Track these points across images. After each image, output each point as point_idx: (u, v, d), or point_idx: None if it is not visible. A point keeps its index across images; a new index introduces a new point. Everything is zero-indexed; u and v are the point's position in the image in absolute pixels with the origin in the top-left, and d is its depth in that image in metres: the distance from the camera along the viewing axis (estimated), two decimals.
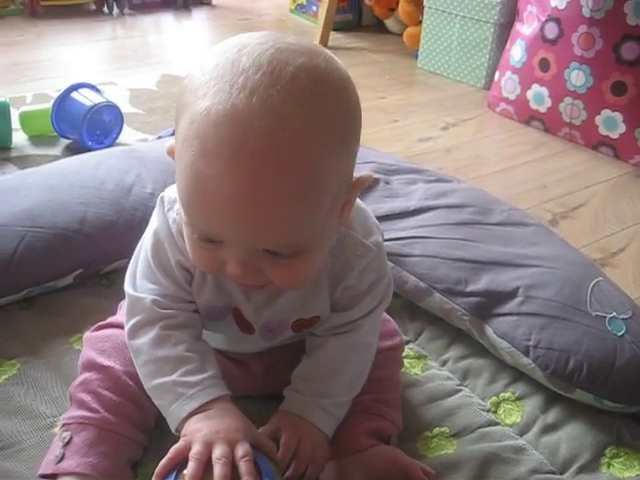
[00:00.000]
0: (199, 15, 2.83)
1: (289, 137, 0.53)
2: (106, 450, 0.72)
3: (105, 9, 2.71)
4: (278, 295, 0.72)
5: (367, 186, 0.66)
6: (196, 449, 0.62)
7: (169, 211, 0.70)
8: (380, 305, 0.78)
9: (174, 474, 0.61)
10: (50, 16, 2.58)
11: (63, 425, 0.76)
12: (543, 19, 1.74)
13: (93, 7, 2.73)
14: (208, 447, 0.62)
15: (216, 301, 0.74)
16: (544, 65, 1.76)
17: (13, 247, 0.98)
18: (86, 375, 0.78)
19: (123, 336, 0.79)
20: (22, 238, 0.99)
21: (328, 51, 0.61)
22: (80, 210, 1.04)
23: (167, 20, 2.75)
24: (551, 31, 1.72)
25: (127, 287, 0.75)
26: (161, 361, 0.70)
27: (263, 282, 0.63)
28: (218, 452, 0.61)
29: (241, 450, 0.62)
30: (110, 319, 0.84)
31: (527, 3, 1.81)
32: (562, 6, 1.68)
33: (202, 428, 0.64)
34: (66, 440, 0.73)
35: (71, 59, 2.22)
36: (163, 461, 0.63)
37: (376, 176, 1.16)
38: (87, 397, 0.75)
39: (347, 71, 0.61)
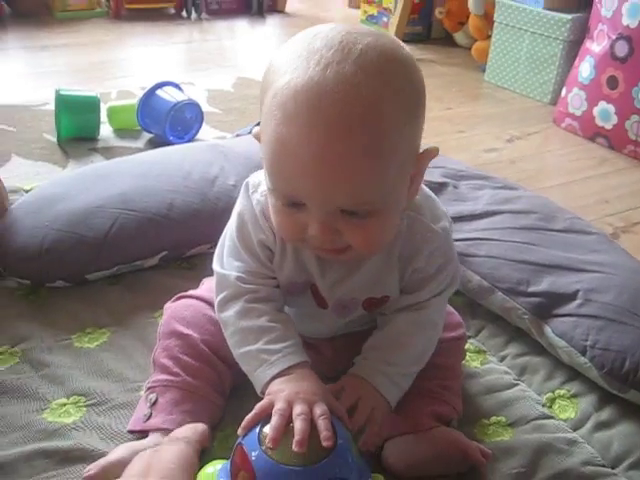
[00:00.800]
0: (272, 22, 2.93)
1: (359, 102, 0.61)
2: (188, 409, 0.80)
3: (184, 13, 2.83)
4: (351, 273, 0.78)
5: (433, 157, 0.72)
6: (279, 406, 0.68)
7: (253, 194, 0.78)
8: (448, 288, 0.84)
9: (258, 428, 0.68)
10: (133, 18, 2.71)
11: (148, 388, 0.84)
12: (614, 37, 1.76)
13: (173, 11, 2.86)
14: (289, 405, 0.68)
15: (295, 277, 0.80)
16: (612, 83, 1.79)
17: (107, 227, 1.08)
18: (167, 342, 0.86)
19: (201, 307, 0.88)
20: (115, 219, 1.09)
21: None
22: (168, 197, 1.13)
23: (242, 26, 2.85)
24: (621, 49, 1.75)
25: (215, 265, 0.83)
26: (246, 331, 0.77)
27: (341, 245, 0.69)
28: (298, 409, 0.67)
29: (319, 409, 0.68)
30: (190, 291, 0.92)
31: (598, 21, 1.84)
32: (634, 25, 1.71)
33: (284, 389, 0.71)
34: (152, 401, 0.82)
35: (152, 59, 2.34)
36: (249, 416, 0.69)
37: (445, 180, 1.22)
38: (169, 362, 0.84)
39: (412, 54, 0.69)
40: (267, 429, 0.67)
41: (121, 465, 0.74)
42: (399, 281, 0.81)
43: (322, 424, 0.66)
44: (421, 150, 0.71)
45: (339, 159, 0.62)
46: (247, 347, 0.77)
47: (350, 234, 0.68)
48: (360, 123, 0.61)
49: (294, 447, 0.63)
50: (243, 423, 0.69)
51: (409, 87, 0.66)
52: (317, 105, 0.61)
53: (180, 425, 0.79)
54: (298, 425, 0.65)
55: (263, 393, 0.74)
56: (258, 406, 0.70)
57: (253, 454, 0.66)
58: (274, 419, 0.67)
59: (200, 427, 0.79)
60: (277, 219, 0.71)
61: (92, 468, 0.75)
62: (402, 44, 0.68)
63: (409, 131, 0.67)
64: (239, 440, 0.69)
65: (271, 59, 0.68)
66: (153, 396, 0.82)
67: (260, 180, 0.78)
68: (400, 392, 0.80)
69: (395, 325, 0.82)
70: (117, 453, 0.76)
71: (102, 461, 0.76)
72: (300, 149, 0.62)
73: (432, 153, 0.72)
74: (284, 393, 0.70)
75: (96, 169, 1.23)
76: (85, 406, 0.87)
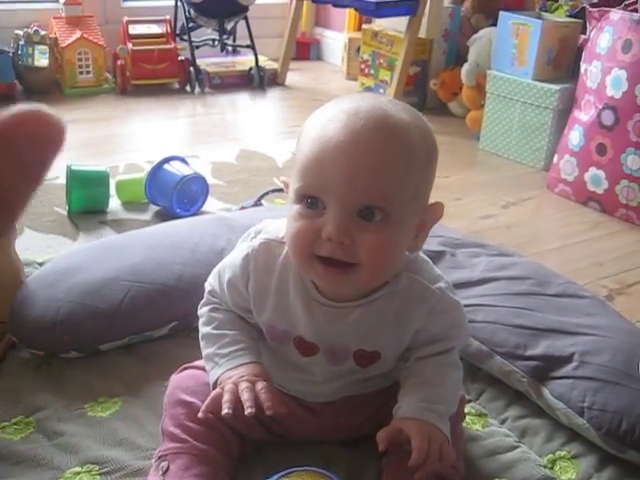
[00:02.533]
0: (273, 95, 3.03)
1: (394, 122, 0.75)
2: (198, 472, 0.83)
3: (187, 88, 2.94)
4: (339, 319, 0.83)
5: (438, 216, 0.82)
6: (227, 387, 0.80)
7: (252, 239, 0.86)
8: (463, 339, 0.92)
9: None
10: (138, 94, 2.82)
11: (159, 457, 0.87)
12: (600, 107, 1.85)
13: (177, 86, 2.96)
14: (236, 385, 0.80)
15: (276, 321, 0.86)
16: (601, 150, 1.86)
17: (120, 298, 1.12)
18: (173, 411, 0.90)
19: (204, 376, 0.92)
20: (127, 291, 1.13)
21: None
22: (178, 269, 1.18)
23: (243, 99, 2.96)
24: (608, 118, 1.83)
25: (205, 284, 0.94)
26: (207, 336, 0.89)
27: (349, 257, 0.75)
28: (243, 385, 0.79)
29: (260, 385, 0.79)
30: (195, 362, 0.96)
31: (585, 92, 1.93)
32: (618, 96, 1.79)
33: (231, 375, 0.82)
34: (164, 469, 0.84)
35: (157, 133, 2.42)
36: (207, 401, 0.81)
37: (443, 249, 1.27)
38: (176, 430, 0.87)
39: None
40: None
41: None
42: (398, 341, 0.86)
43: (262, 396, 0.78)
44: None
45: (369, 153, 0.73)
46: (206, 350, 0.88)
47: (362, 242, 0.74)
48: (391, 133, 0.74)
49: (245, 411, 0.77)
50: (205, 404, 0.82)
51: (431, 139, 0.78)
52: (355, 113, 0.74)
53: None
54: (244, 396, 0.77)
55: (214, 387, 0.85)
56: (212, 394, 0.81)
57: None
58: (225, 395, 0.79)
59: None
60: (293, 227, 0.77)
61: None
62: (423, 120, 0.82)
63: (426, 172, 0.78)
64: None
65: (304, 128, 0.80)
66: (165, 464, 0.85)
67: (262, 228, 0.87)
68: (448, 429, 0.82)
69: (425, 369, 0.86)
70: None
71: None
72: (331, 145, 0.73)
73: (439, 210, 0.80)
74: (231, 379, 0.81)
75: (108, 242, 1.28)
76: (99, 474, 0.90)
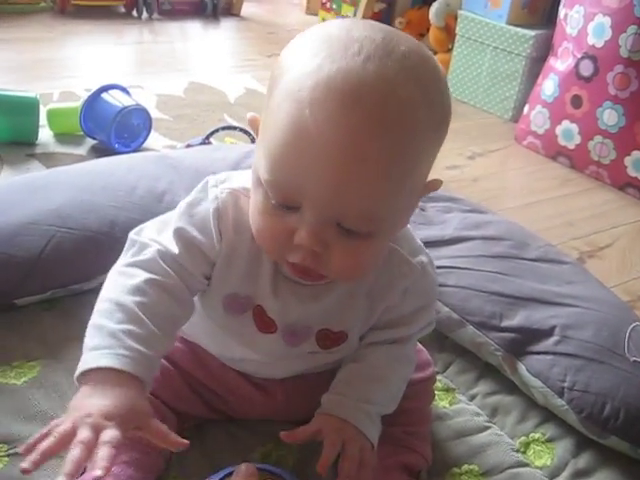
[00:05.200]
0: (227, 25, 2.83)
1: (397, 105, 0.54)
2: (129, 459, 0.71)
3: (134, 12, 2.71)
4: (308, 297, 0.69)
5: (434, 189, 0.65)
6: (61, 427, 0.54)
7: (213, 187, 0.68)
8: (427, 327, 0.78)
9: None
10: (79, 15, 2.58)
11: None
12: (579, 56, 1.73)
13: (122, 10, 2.73)
14: (73, 427, 0.54)
15: (240, 288, 0.70)
16: (576, 102, 1.75)
17: (41, 246, 0.96)
18: None
19: None
20: (51, 238, 0.97)
21: None
22: (111, 213, 1.03)
23: (195, 28, 2.75)
24: (586, 68, 1.72)
25: (131, 234, 0.70)
26: (121, 307, 0.62)
27: (322, 268, 0.60)
28: (81, 435, 0.53)
29: (107, 436, 0.54)
30: None
31: (563, 39, 1.81)
32: (600, 44, 1.67)
33: (80, 407, 0.56)
34: None
35: (98, 59, 2.22)
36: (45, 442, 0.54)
37: None
38: None
39: None
40: None
41: None
42: (366, 319, 0.73)
43: (101, 452, 0.52)
44: None
45: (361, 160, 0.53)
46: (108, 321, 0.61)
47: (338, 253, 0.59)
48: (393, 128, 0.54)
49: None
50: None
51: (442, 102, 0.59)
52: (353, 98, 0.53)
53: (119, 478, 0.69)
54: (71, 455, 0.52)
55: (77, 381, 0.60)
56: (53, 422, 0.56)
57: None
58: (49, 439, 0.53)
59: None
60: (260, 221, 0.61)
61: None
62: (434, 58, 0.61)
63: (431, 152, 0.60)
64: None
65: (289, 46, 0.60)
66: None
67: (225, 178, 0.69)
68: (378, 432, 0.72)
69: (372, 358, 0.74)
70: None
71: None
72: (322, 137, 0.53)
73: (436, 186, 0.64)
74: (75, 413, 0.55)
75: (31, 179, 1.11)
76: (7, 456, 0.76)
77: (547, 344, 0.92)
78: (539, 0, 2.06)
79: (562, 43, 1.81)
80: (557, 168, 1.83)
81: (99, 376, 0.58)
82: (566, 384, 0.88)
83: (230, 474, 0.64)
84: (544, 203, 1.63)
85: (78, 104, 1.55)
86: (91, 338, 0.61)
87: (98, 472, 0.51)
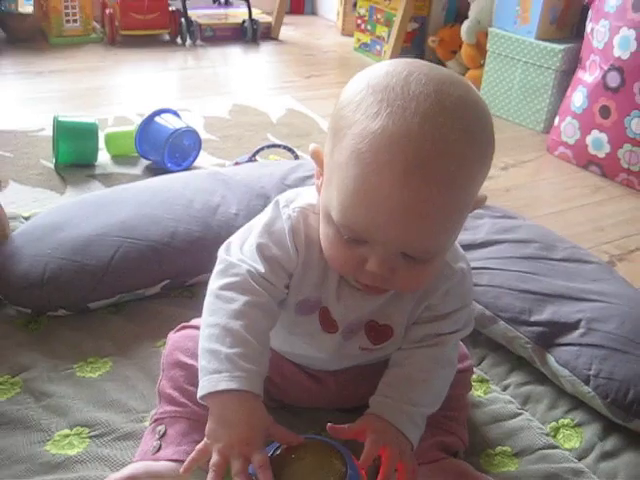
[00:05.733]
0: (266, 49, 2.95)
1: (455, 162, 0.62)
2: (197, 439, 0.78)
3: (178, 40, 2.85)
4: (365, 299, 0.78)
5: (481, 205, 0.73)
6: (214, 460, 0.67)
7: (284, 208, 0.77)
8: (464, 329, 0.83)
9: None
10: (127, 45, 2.73)
11: (155, 420, 0.83)
12: (606, 68, 1.79)
13: (167, 38, 2.87)
14: (225, 459, 0.67)
15: (311, 294, 0.79)
16: (605, 112, 1.82)
17: (110, 255, 1.07)
18: (171, 372, 0.85)
19: None
20: (118, 248, 1.08)
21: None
22: (171, 225, 1.13)
23: (236, 53, 2.87)
24: (613, 80, 1.78)
25: (221, 253, 0.78)
26: (229, 332, 0.71)
27: (389, 286, 0.70)
28: (236, 466, 0.67)
29: (256, 460, 0.67)
30: (193, 321, 0.91)
31: (590, 52, 1.87)
32: (625, 56, 1.74)
33: (220, 437, 0.69)
34: (161, 433, 0.81)
35: (147, 85, 2.35)
36: (193, 455, 0.70)
37: None
38: (175, 393, 0.83)
39: None
40: (275, 460, 0.67)
41: None
42: (409, 315, 0.81)
43: (261, 476, 0.66)
44: None
45: (424, 215, 0.62)
46: (220, 346, 0.71)
47: (404, 274, 0.68)
48: (453, 182, 0.62)
49: None
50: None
51: (490, 145, 0.67)
52: (414, 159, 0.61)
53: (189, 455, 0.78)
54: None
55: (202, 400, 0.72)
56: (197, 448, 0.70)
57: None
58: (209, 474, 0.67)
59: None
60: (332, 251, 0.71)
61: None
62: (477, 92, 0.69)
63: (481, 182, 0.68)
64: (250, 470, 0.68)
65: (354, 89, 0.66)
66: (161, 428, 0.81)
67: (294, 197, 0.78)
68: (420, 433, 0.78)
69: (414, 361, 0.81)
70: (129, 470, 0.76)
71: (112, 476, 0.75)
72: (389, 199, 0.62)
73: (483, 201, 0.72)
74: (219, 445, 0.68)
75: (98, 197, 1.23)
76: (89, 437, 0.87)
77: (573, 336, 0.99)
78: (567, 15, 2.13)
79: (589, 56, 1.87)
80: (588, 177, 1.89)
81: (223, 396, 0.70)
82: (592, 372, 0.95)
83: (279, 447, 0.71)
84: (575, 210, 1.69)
85: (133, 128, 1.67)
86: (208, 362, 0.71)
87: None
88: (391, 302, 0.79)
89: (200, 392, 0.71)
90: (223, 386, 0.69)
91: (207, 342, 0.73)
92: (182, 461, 0.76)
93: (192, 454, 0.70)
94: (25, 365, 0.97)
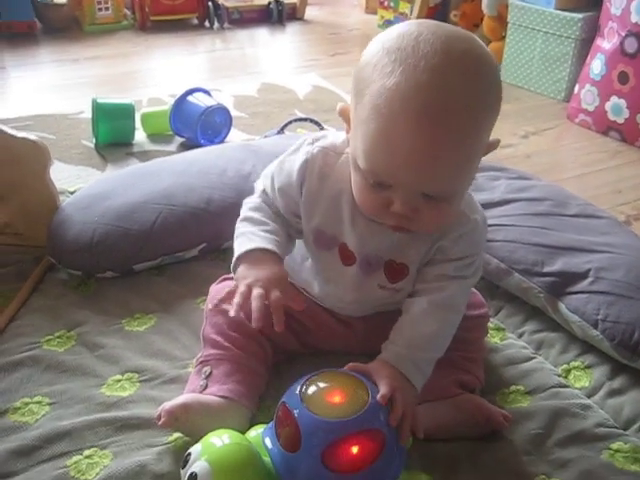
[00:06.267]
0: (292, 29, 3.02)
1: (460, 107, 0.70)
2: (240, 379, 0.88)
3: (206, 23, 2.93)
4: (379, 230, 0.85)
5: (494, 148, 0.81)
6: (241, 289, 0.82)
7: (308, 145, 0.88)
8: (471, 277, 0.90)
9: (298, 388, 0.76)
10: (157, 30, 2.82)
11: (201, 362, 0.92)
12: (623, 34, 1.83)
13: (196, 21, 2.95)
14: (249, 288, 0.81)
15: (326, 227, 0.88)
16: (623, 78, 1.86)
17: (152, 220, 1.17)
18: (214, 319, 0.94)
19: None
20: (159, 214, 1.18)
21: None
22: (206, 192, 1.22)
23: (262, 34, 2.95)
24: (631, 45, 1.82)
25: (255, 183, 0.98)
26: (250, 219, 0.91)
27: (413, 226, 0.79)
28: (255, 292, 0.80)
29: (274, 295, 0.80)
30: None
31: (608, 19, 1.91)
32: None
33: (247, 276, 0.83)
34: (207, 373, 0.90)
35: (178, 68, 2.44)
36: (224, 294, 0.86)
37: None
38: (219, 338, 0.92)
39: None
40: (307, 389, 0.76)
41: (185, 409, 0.82)
42: (424, 256, 0.88)
43: (274, 315, 0.80)
44: None
45: (438, 155, 0.71)
46: (243, 229, 0.90)
47: (427, 213, 0.77)
48: (460, 124, 0.71)
49: (252, 323, 0.79)
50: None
51: (496, 89, 0.75)
52: (424, 108, 0.70)
53: (234, 394, 0.87)
54: (254, 304, 0.79)
55: (235, 267, 0.87)
56: (227, 289, 0.85)
57: (295, 411, 0.74)
58: (236, 297, 0.81)
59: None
60: (361, 196, 0.80)
61: (163, 414, 0.82)
62: (485, 46, 0.76)
63: (490, 126, 0.77)
64: (282, 400, 0.77)
65: (371, 52, 0.75)
66: (208, 369, 0.90)
67: (320, 137, 0.88)
68: (424, 379, 0.84)
69: (420, 307, 0.87)
70: (182, 399, 0.85)
71: (169, 404, 0.83)
72: (404, 145, 0.71)
73: (496, 144, 0.80)
74: (246, 280, 0.82)
75: (138, 169, 1.32)
76: (139, 382, 0.96)
77: (583, 285, 1.06)
78: None
79: (607, 23, 1.91)
80: (608, 142, 1.93)
81: (251, 257, 0.86)
82: (600, 317, 1.01)
83: (308, 379, 0.79)
84: (594, 174, 1.74)
85: (167, 107, 1.76)
86: (239, 245, 0.88)
87: (277, 328, 0.80)
88: (408, 240, 0.86)
89: (233, 262, 0.87)
90: (251, 246, 0.86)
91: (239, 229, 0.91)
92: (227, 397, 0.86)
93: (224, 293, 0.86)
94: (78, 321, 1.07)
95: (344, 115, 0.82)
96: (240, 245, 0.88)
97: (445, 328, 0.88)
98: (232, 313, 0.81)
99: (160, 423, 0.83)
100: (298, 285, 0.97)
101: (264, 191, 0.94)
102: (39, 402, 0.92)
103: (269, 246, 0.86)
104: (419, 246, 0.87)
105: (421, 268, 0.90)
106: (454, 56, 0.71)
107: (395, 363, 0.83)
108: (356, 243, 0.88)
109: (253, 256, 0.85)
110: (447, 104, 0.70)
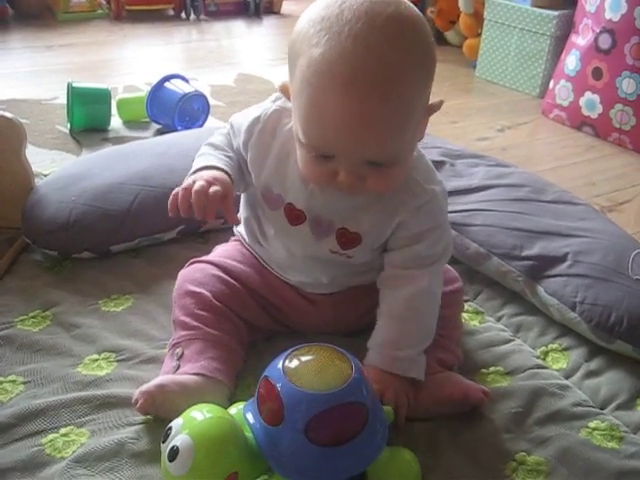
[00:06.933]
0: (268, 23, 3.01)
1: (388, 71, 0.70)
2: (213, 355, 0.87)
3: (183, 15, 2.91)
4: (332, 191, 0.84)
5: (438, 109, 0.81)
6: (185, 183, 0.84)
7: (271, 102, 0.88)
8: (441, 259, 0.91)
9: (280, 362, 0.75)
10: (133, 20, 2.79)
11: (173, 345, 0.91)
12: (597, 30, 1.86)
13: (172, 12, 2.94)
14: (193, 182, 0.83)
15: (273, 185, 0.89)
16: (597, 74, 1.88)
17: (130, 201, 1.15)
18: (182, 301, 0.93)
19: (210, 269, 0.96)
20: (137, 195, 1.16)
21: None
22: (185, 174, 1.20)
23: (239, 26, 2.94)
24: (605, 42, 1.85)
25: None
26: (214, 145, 0.93)
27: (361, 192, 0.80)
28: (197, 185, 0.81)
29: (213, 189, 0.81)
30: (202, 257, 1.00)
31: (583, 16, 1.93)
32: (616, 18, 1.80)
33: (196, 178, 0.84)
34: (179, 354, 0.88)
35: (154, 57, 2.42)
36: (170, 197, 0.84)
37: (443, 159, 1.30)
38: (187, 319, 0.91)
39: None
40: (290, 362, 0.75)
41: (161, 389, 0.82)
42: (381, 230, 0.88)
43: (211, 198, 0.80)
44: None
45: (369, 122, 0.71)
46: (205, 150, 0.93)
47: (373, 180, 0.78)
48: (389, 90, 0.71)
49: (195, 214, 0.81)
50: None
51: (427, 51, 0.74)
52: (351, 77, 0.69)
53: (208, 370, 0.86)
54: (194, 197, 0.80)
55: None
56: (173, 192, 0.85)
57: (278, 385, 0.73)
58: (180, 190, 0.83)
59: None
60: (307, 168, 0.80)
61: (139, 397, 0.82)
62: (415, 8, 0.76)
63: (426, 89, 0.76)
64: (264, 374, 0.76)
65: (300, 26, 0.75)
66: (179, 350, 0.89)
67: (282, 101, 0.87)
68: (420, 367, 0.87)
69: (397, 304, 0.89)
70: (157, 380, 0.84)
71: (145, 387, 0.83)
72: (336, 114, 0.71)
73: (438, 106, 0.81)
74: (193, 177, 0.85)
75: (115, 150, 1.30)
76: (116, 361, 0.95)
77: (561, 268, 1.07)
78: None
79: (582, 20, 1.94)
80: (582, 137, 1.96)
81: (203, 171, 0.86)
82: (577, 299, 1.03)
83: (290, 353, 0.79)
84: (569, 167, 1.76)
85: (144, 94, 1.75)
86: (197, 162, 0.90)
87: (208, 219, 0.82)
88: (360, 209, 0.87)
89: (188, 176, 0.87)
90: (208, 163, 0.87)
91: (199, 152, 0.93)
92: (201, 374, 0.85)
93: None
94: (54, 301, 1.05)
95: (285, 93, 0.82)
96: (198, 162, 0.89)
97: (430, 317, 0.90)
98: (171, 214, 0.84)
99: (137, 407, 0.82)
100: (264, 263, 0.98)
101: (232, 126, 0.94)
102: (13, 381, 0.90)
103: (225, 167, 0.87)
104: (373, 217, 0.87)
105: (389, 252, 0.90)
106: (378, 21, 0.70)
107: (386, 367, 0.86)
108: (306, 201, 0.88)
109: (207, 171, 0.86)
110: (374, 71, 0.69)
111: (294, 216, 0.89)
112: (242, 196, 0.98)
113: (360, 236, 0.89)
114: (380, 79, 0.70)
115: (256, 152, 0.89)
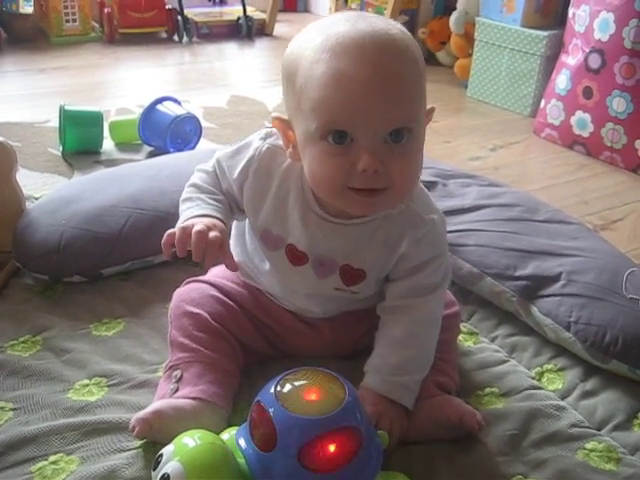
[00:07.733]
0: (261, 45, 3.03)
1: (395, 42, 0.74)
2: (212, 379, 0.86)
3: (175, 37, 2.92)
4: (334, 231, 0.85)
5: (431, 117, 0.82)
6: (181, 225, 0.82)
7: (261, 140, 0.86)
8: (442, 284, 0.90)
9: (272, 387, 0.74)
10: (126, 42, 2.80)
11: (170, 367, 0.89)
12: (587, 50, 1.87)
13: (164, 35, 2.95)
14: (191, 225, 0.80)
15: (272, 226, 0.87)
16: (587, 93, 1.89)
17: (121, 224, 1.15)
18: (179, 322, 0.92)
19: (207, 289, 0.95)
20: (128, 218, 1.16)
21: None
22: (177, 197, 1.18)
23: (231, 48, 2.95)
24: (594, 61, 1.86)
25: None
26: (199, 186, 0.90)
27: (382, 183, 0.75)
28: (196, 228, 0.79)
29: (212, 234, 0.78)
30: (198, 277, 0.99)
31: (572, 36, 1.95)
32: (605, 38, 1.82)
33: (189, 224, 0.81)
34: (178, 377, 0.87)
35: (146, 80, 2.42)
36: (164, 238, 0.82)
37: (435, 179, 1.30)
38: (186, 340, 0.90)
39: None
40: (282, 387, 0.74)
41: (158, 415, 0.80)
42: (384, 263, 0.88)
43: (211, 244, 0.78)
44: None
45: (389, 79, 0.73)
46: (191, 194, 0.89)
47: (394, 166, 0.75)
48: (403, 49, 0.74)
49: (194, 258, 0.79)
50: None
51: (418, 46, 0.78)
52: (363, 42, 0.72)
53: (207, 394, 0.84)
54: (193, 238, 0.78)
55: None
56: (167, 232, 0.82)
57: (271, 410, 0.72)
58: (177, 232, 0.81)
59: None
60: (321, 165, 0.76)
61: (136, 424, 0.80)
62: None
63: (423, 75, 0.78)
64: (256, 398, 0.75)
65: (290, 49, 0.78)
66: (178, 372, 0.87)
67: (274, 132, 0.86)
68: (414, 396, 0.87)
69: (398, 329, 0.88)
70: (153, 406, 0.82)
71: (141, 413, 0.81)
72: (355, 77, 0.71)
73: (432, 113, 0.81)
74: (189, 221, 0.82)
75: (107, 173, 1.30)
76: (107, 386, 0.93)
77: (555, 288, 1.06)
78: (550, 3, 2.21)
79: (572, 40, 1.95)
80: (573, 156, 1.96)
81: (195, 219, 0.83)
82: (572, 319, 1.02)
83: (283, 377, 0.78)
84: (561, 186, 1.77)
85: (135, 117, 1.75)
86: (187, 209, 0.86)
87: (195, 257, 0.79)
88: (361, 245, 0.86)
89: (182, 218, 0.85)
90: (201, 212, 0.84)
91: (185, 195, 0.90)
92: (200, 399, 0.83)
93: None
94: (44, 326, 1.04)
95: (279, 127, 0.81)
96: (187, 209, 0.86)
97: (430, 344, 0.90)
98: (166, 256, 0.82)
99: (135, 433, 0.81)
100: (260, 287, 0.97)
101: (218, 163, 0.91)
102: (2, 408, 0.89)
103: (219, 215, 0.84)
104: (374, 251, 0.87)
105: (390, 283, 0.90)
106: (379, 24, 0.75)
107: (383, 392, 0.86)
108: (307, 243, 0.87)
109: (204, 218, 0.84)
110: (385, 38, 0.73)
111: (296, 257, 0.88)
112: (232, 239, 0.97)
113: (364, 272, 0.88)
114: (391, 43, 0.73)
115: (253, 194, 0.87)
